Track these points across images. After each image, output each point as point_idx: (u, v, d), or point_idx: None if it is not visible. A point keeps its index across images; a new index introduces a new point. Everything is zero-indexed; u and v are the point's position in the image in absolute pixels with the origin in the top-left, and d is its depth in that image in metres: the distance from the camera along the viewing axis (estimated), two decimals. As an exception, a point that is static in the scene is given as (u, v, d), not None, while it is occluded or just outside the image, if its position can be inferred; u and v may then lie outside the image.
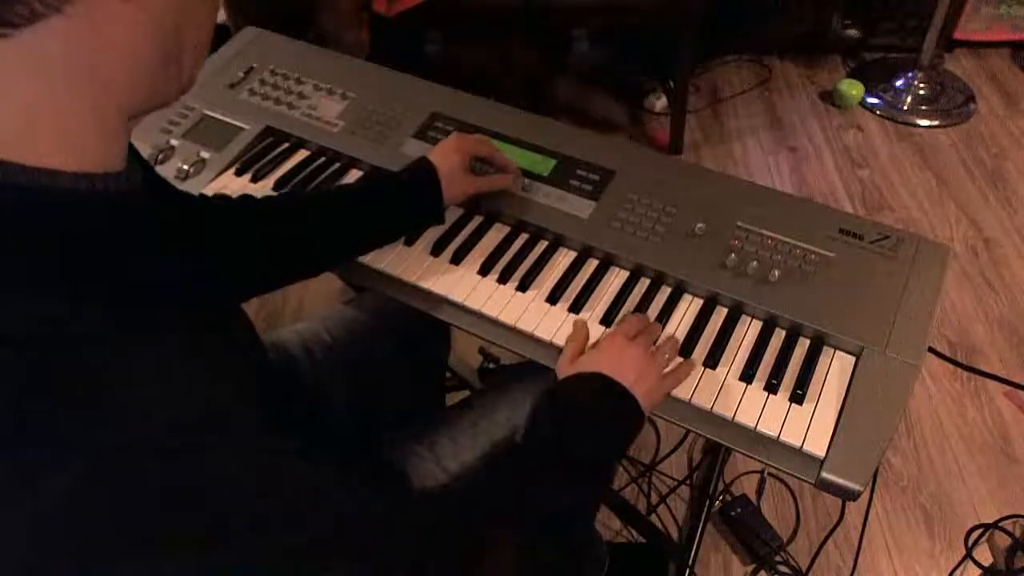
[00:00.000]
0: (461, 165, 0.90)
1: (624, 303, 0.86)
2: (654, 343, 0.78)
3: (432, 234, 0.93)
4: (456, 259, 0.91)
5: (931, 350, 0.86)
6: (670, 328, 0.84)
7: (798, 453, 0.73)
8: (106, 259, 0.44)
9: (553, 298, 0.86)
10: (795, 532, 1.40)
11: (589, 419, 0.70)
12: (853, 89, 2.37)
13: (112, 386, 0.38)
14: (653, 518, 1.42)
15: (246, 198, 0.83)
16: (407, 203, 0.88)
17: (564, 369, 0.76)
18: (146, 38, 0.44)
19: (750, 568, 1.35)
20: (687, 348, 0.81)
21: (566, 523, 0.63)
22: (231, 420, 0.43)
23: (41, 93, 0.42)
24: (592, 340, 0.81)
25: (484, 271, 0.89)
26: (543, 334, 0.83)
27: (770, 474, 1.48)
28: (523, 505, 0.61)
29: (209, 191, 0.99)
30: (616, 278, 0.89)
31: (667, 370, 0.77)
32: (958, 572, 1.33)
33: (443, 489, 0.81)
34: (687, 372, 0.78)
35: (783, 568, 1.34)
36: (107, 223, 0.45)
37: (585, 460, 0.67)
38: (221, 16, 2.44)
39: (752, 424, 0.75)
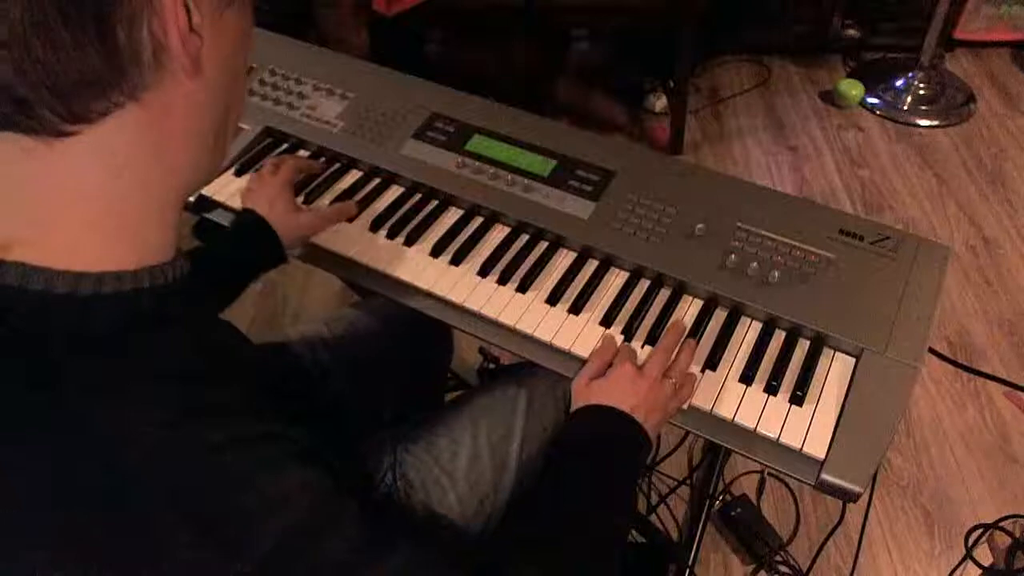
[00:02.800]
0: (286, 207, 0.89)
1: (624, 304, 0.86)
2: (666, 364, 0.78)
3: (432, 235, 0.93)
4: (456, 260, 0.91)
5: (931, 350, 0.86)
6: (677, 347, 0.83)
7: (798, 454, 0.73)
8: (225, 355, 0.45)
9: (553, 299, 0.86)
10: (795, 532, 1.40)
11: (602, 458, 0.71)
12: (853, 89, 2.37)
13: None
14: (653, 518, 1.42)
15: None
16: (248, 263, 0.88)
17: (579, 390, 0.76)
18: (206, 116, 0.44)
19: (750, 568, 1.35)
20: (687, 349, 0.81)
21: (596, 560, 0.64)
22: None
23: (105, 190, 0.41)
24: (596, 345, 0.81)
25: (484, 272, 0.89)
26: (543, 335, 0.83)
27: (770, 474, 1.48)
28: (552, 553, 0.61)
29: (209, 192, 0.99)
30: (616, 279, 0.89)
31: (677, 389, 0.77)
32: (958, 572, 1.33)
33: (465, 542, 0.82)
34: (691, 392, 0.77)
35: (783, 568, 1.34)
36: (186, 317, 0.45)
37: (602, 498, 0.68)
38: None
39: (752, 425, 0.75)
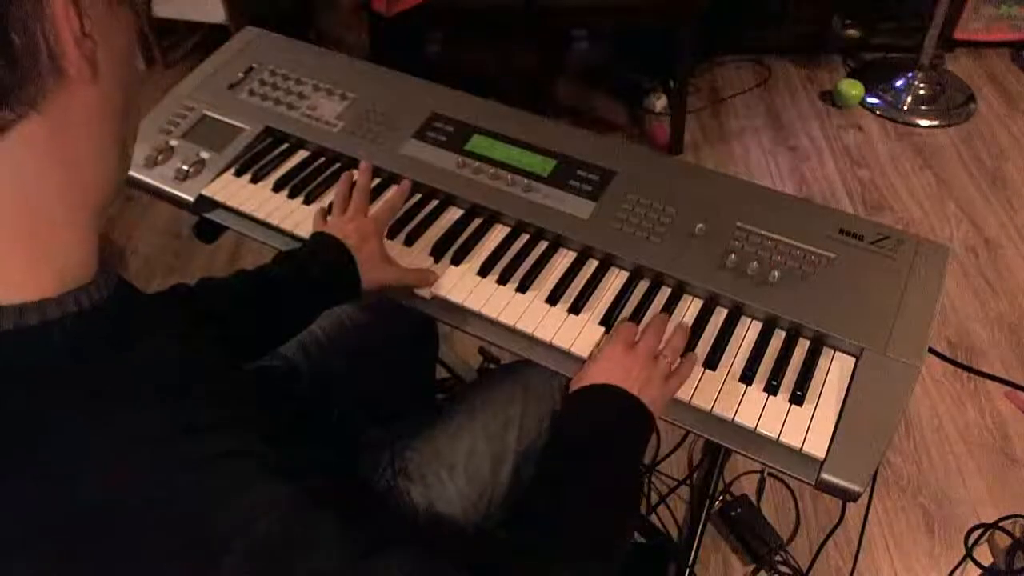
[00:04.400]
0: (376, 252, 0.86)
1: (624, 304, 0.86)
2: (658, 344, 0.78)
3: (432, 235, 0.93)
4: (456, 260, 0.91)
5: (931, 350, 0.86)
6: (669, 331, 0.83)
7: (798, 454, 0.73)
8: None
9: (553, 299, 0.86)
10: (795, 532, 1.40)
11: (603, 433, 0.71)
12: (853, 89, 2.37)
13: None
14: (653, 518, 1.42)
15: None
16: (325, 297, 0.84)
17: (574, 379, 0.77)
18: (108, 122, 0.43)
19: (750, 568, 1.35)
20: (687, 348, 0.81)
21: (607, 543, 0.64)
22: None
23: (17, 209, 0.39)
24: (594, 342, 0.81)
25: (484, 272, 0.89)
26: (543, 335, 0.83)
27: (770, 474, 1.48)
28: (561, 537, 0.61)
29: (209, 192, 0.99)
30: (616, 279, 0.89)
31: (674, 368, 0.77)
32: (958, 572, 1.33)
33: (478, 531, 0.82)
34: (689, 370, 0.78)
35: (783, 568, 1.34)
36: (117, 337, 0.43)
37: (608, 475, 0.68)
38: (221, 16, 2.44)
39: (752, 425, 0.75)
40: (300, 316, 0.83)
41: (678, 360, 0.78)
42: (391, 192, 0.98)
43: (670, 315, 0.84)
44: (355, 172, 0.96)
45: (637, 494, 0.71)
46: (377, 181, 1.01)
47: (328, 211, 0.94)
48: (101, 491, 0.39)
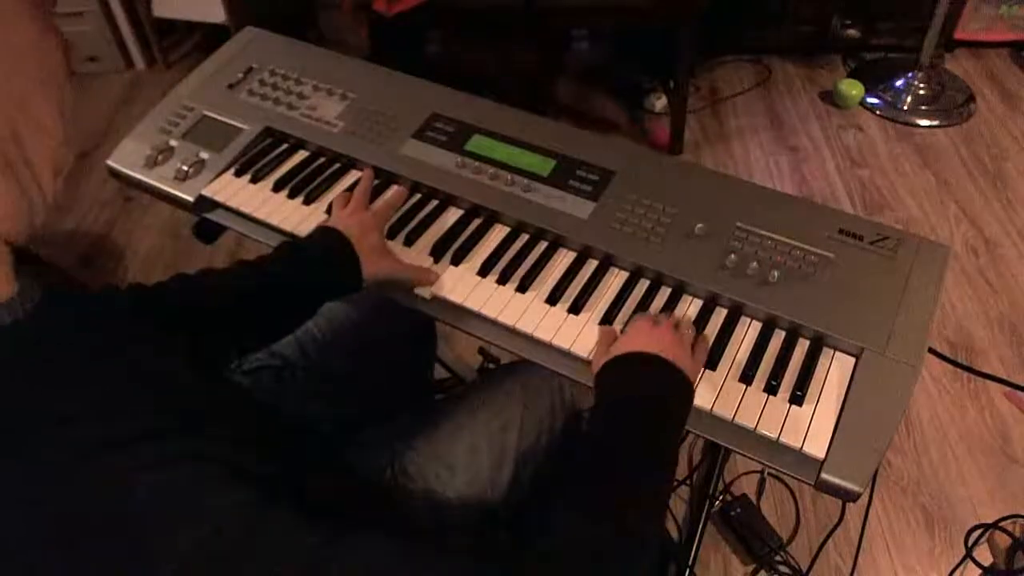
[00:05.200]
0: (377, 244, 0.86)
1: (624, 304, 0.86)
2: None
3: (432, 235, 0.93)
4: (456, 260, 0.91)
5: (931, 350, 0.86)
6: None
7: (798, 454, 0.73)
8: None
9: (553, 299, 0.86)
10: (795, 532, 1.40)
11: (653, 398, 0.70)
12: (853, 89, 2.37)
13: None
14: (653, 518, 1.42)
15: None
16: (327, 288, 0.83)
17: (600, 361, 0.76)
18: None
19: (750, 568, 1.35)
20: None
21: (647, 507, 0.63)
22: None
23: None
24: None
25: (484, 272, 0.89)
26: (543, 335, 0.83)
27: (770, 474, 1.48)
28: (606, 498, 0.60)
29: (209, 192, 0.99)
30: (616, 279, 0.89)
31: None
32: (958, 572, 1.33)
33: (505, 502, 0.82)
34: (704, 353, 0.79)
35: (783, 568, 1.34)
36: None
37: (659, 436, 0.67)
38: (221, 16, 2.44)
39: (752, 425, 0.75)
40: (302, 307, 0.83)
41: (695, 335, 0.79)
42: (390, 191, 0.98)
43: (670, 314, 0.84)
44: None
45: (674, 464, 0.70)
46: (376, 182, 1.01)
47: (329, 211, 0.94)
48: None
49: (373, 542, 0.46)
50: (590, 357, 0.80)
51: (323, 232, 0.85)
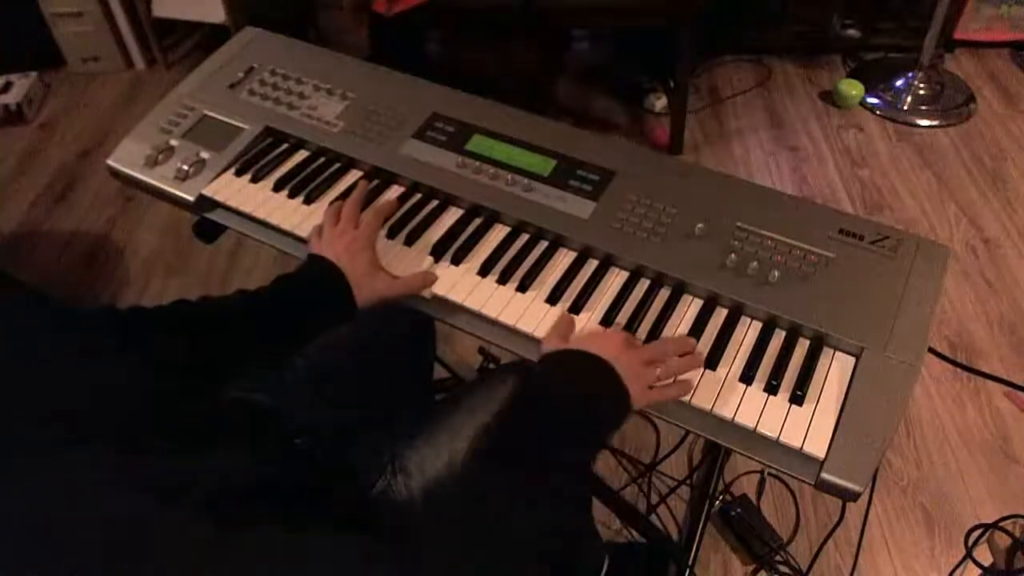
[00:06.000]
0: (368, 267, 0.85)
1: (624, 304, 0.86)
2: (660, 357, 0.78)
3: (432, 235, 0.93)
4: (456, 260, 0.91)
5: (931, 350, 0.86)
6: (668, 330, 0.84)
7: (798, 454, 0.73)
8: None
9: (553, 299, 0.86)
10: (795, 532, 1.40)
11: (576, 381, 0.71)
12: (853, 89, 2.37)
13: None
14: (653, 518, 1.42)
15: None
16: (321, 321, 0.83)
17: (551, 345, 0.78)
18: None
19: (750, 568, 1.35)
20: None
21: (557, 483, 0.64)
22: None
23: None
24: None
25: (484, 272, 0.89)
26: (543, 335, 0.83)
27: (770, 474, 1.48)
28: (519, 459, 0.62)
29: (209, 191, 0.99)
30: (616, 279, 0.89)
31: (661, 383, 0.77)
32: (958, 572, 1.33)
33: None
34: (677, 393, 0.77)
35: (783, 568, 1.34)
36: None
37: (573, 419, 0.68)
38: (221, 16, 2.44)
39: (752, 425, 0.75)
40: (297, 339, 0.84)
41: (670, 380, 0.77)
42: (380, 200, 0.97)
43: (670, 315, 0.84)
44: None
45: (583, 478, 0.71)
46: (376, 183, 1.01)
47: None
48: None
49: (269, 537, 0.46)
50: None
51: (315, 266, 0.85)
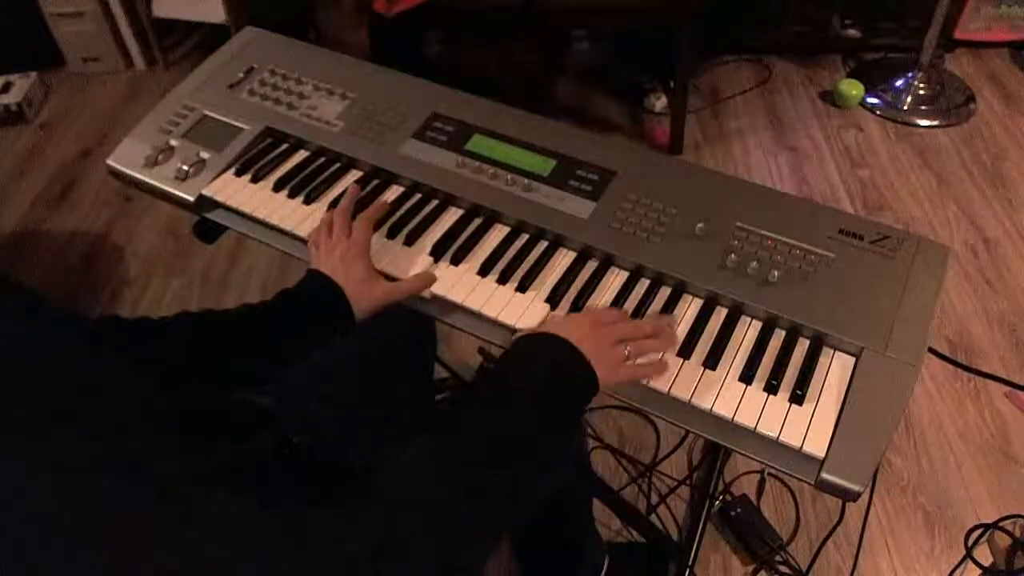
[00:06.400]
0: (363, 275, 0.85)
1: (624, 304, 0.86)
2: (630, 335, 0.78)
3: (432, 235, 0.93)
4: (456, 260, 0.91)
5: (931, 350, 0.86)
6: (651, 330, 0.83)
7: (798, 454, 0.73)
8: None
9: (553, 299, 0.86)
10: (795, 532, 1.40)
11: (535, 359, 0.72)
12: (853, 89, 2.37)
13: None
14: (653, 518, 1.42)
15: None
16: (317, 334, 0.84)
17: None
18: None
19: (750, 568, 1.35)
20: (687, 348, 0.81)
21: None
22: None
23: None
24: None
25: (484, 272, 0.89)
26: (543, 334, 0.83)
27: (770, 474, 1.48)
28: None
29: (209, 191, 0.99)
30: (616, 278, 0.89)
31: (637, 361, 0.77)
32: (958, 572, 1.33)
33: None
34: (649, 371, 0.78)
35: (783, 568, 1.34)
36: None
37: (532, 392, 0.69)
38: (221, 16, 2.44)
39: (752, 425, 0.75)
40: (296, 353, 0.84)
41: (644, 360, 0.78)
42: (372, 206, 0.97)
43: (669, 315, 0.84)
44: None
45: (545, 455, 0.70)
46: (376, 183, 1.01)
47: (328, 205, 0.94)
48: None
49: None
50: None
51: (311, 280, 0.85)
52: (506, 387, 0.69)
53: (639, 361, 0.77)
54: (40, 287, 0.60)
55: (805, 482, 0.72)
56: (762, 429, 0.74)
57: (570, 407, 0.73)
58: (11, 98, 2.51)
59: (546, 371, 0.71)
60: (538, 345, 0.74)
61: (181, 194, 1.00)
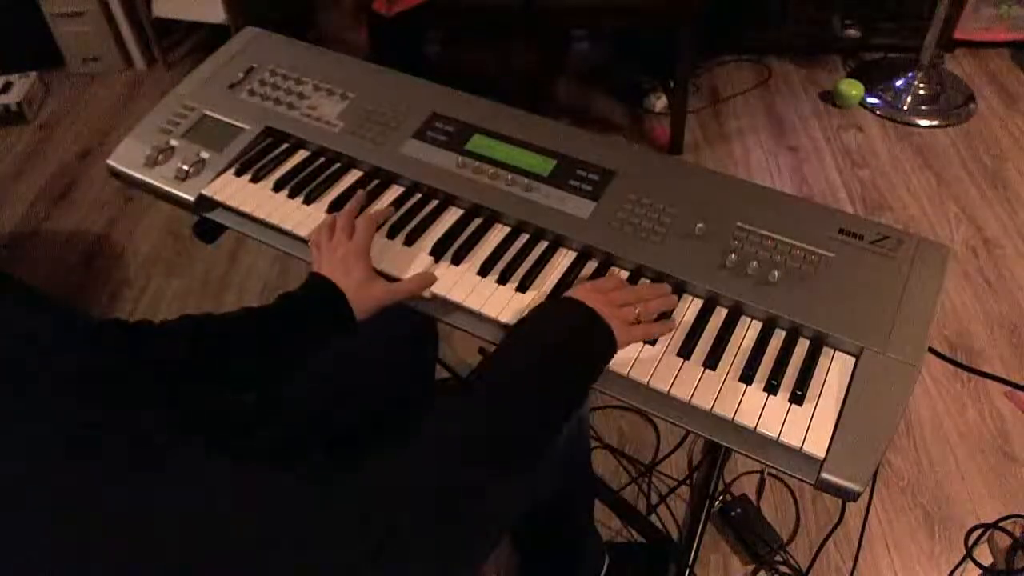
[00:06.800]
0: (363, 277, 0.85)
1: (624, 303, 0.86)
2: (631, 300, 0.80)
3: (432, 235, 0.94)
4: (456, 260, 0.91)
5: (931, 350, 0.86)
6: (649, 294, 0.84)
7: (798, 454, 0.73)
8: None
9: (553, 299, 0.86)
10: (795, 532, 1.40)
11: (554, 318, 0.75)
12: (853, 89, 2.37)
13: None
14: (653, 518, 1.42)
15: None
16: (318, 337, 0.84)
17: None
18: None
19: (750, 568, 1.35)
20: (687, 348, 0.81)
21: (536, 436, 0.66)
22: None
23: None
24: None
25: (484, 272, 0.89)
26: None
27: (770, 474, 1.48)
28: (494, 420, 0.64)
29: (209, 191, 0.99)
30: (616, 278, 0.89)
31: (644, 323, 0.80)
32: (958, 572, 1.33)
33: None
34: (660, 329, 0.81)
35: (783, 568, 1.34)
36: None
37: (557, 344, 0.72)
38: (221, 16, 2.44)
39: (752, 425, 0.75)
40: (298, 355, 0.85)
41: (652, 318, 0.81)
42: (373, 208, 0.97)
43: (669, 315, 0.84)
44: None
45: (567, 409, 0.73)
46: (376, 183, 1.01)
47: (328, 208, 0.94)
48: None
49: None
50: None
51: (312, 284, 0.85)
52: (534, 342, 0.72)
53: (649, 322, 0.80)
54: (40, 287, 0.60)
55: (805, 482, 0.72)
56: (762, 429, 0.74)
57: (591, 363, 0.74)
58: (11, 98, 2.51)
59: (566, 330, 0.73)
60: (555, 308, 0.77)
61: (181, 194, 1.00)
